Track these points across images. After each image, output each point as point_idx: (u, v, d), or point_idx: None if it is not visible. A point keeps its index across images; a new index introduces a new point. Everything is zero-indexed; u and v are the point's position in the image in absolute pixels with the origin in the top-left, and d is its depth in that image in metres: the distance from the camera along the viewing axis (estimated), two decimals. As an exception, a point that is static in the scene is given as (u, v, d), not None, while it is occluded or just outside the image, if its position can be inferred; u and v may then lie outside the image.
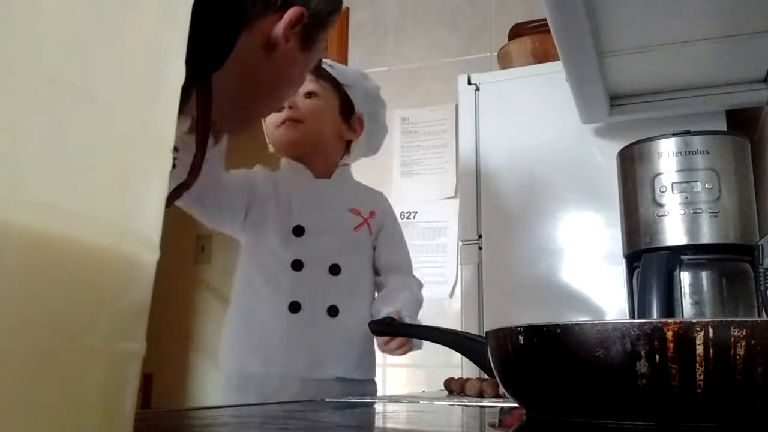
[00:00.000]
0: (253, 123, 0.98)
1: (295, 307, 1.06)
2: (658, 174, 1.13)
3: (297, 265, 1.08)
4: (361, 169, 1.29)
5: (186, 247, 3.83)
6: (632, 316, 1.18)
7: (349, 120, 1.19)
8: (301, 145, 1.15)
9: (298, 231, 1.09)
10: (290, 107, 1.13)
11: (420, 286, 1.21)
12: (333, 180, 1.17)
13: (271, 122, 1.16)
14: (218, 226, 1.11)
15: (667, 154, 1.13)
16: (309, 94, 1.14)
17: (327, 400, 0.89)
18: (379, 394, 1.09)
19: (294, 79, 0.90)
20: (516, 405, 0.56)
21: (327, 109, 1.16)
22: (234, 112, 0.87)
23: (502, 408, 0.64)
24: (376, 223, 1.17)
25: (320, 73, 1.14)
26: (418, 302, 1.17)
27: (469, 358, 0.59)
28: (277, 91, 0.89)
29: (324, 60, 1.16)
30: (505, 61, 1.78)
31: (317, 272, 1.09)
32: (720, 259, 1.10)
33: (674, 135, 1.13)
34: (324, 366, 1.06)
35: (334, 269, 1.10)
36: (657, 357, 0.37)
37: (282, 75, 0.85)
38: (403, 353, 1.08)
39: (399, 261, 1.20)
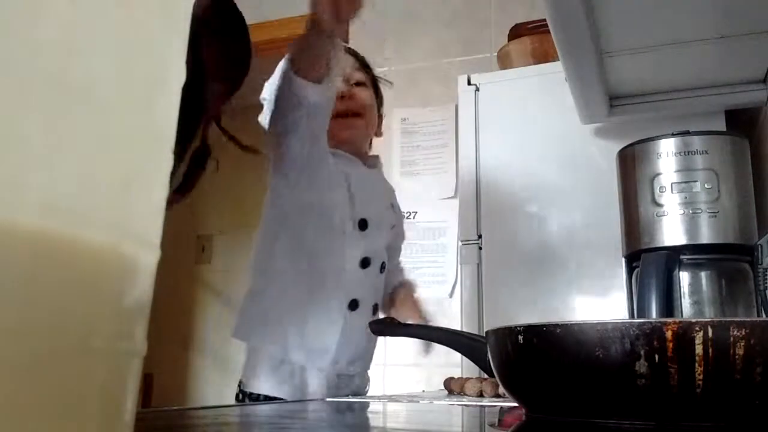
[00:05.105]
0: None
1: (354, 304, 1.05)
2: (658, 174, 1.13)
3: (365, 263, 1.06)
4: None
5: (186, 247, 3.83)
6: (632, 315, 1.19)
7: (380, 115, 1.18)
8: (360, 140, 1.11)
9: (363, 225, 1.06)
10: (349, 97, 1.07)
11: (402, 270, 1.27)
12: (379, 172, 1.16)
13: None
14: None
15: (666, 155, 1.13)
16: (359, 83, 1.10)
17: (327, 399, 0.89)
18: (379, 393, 1.10)
19: None
20: (516, 405, 0.56)
21: (373, 104, 1.14)
22: None
23: (501, 408, 0.64)
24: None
25: (365, 63, 1.11)
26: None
27: (469, 358, 0.59)
28: None
29: (350, 45, 1.13)
30: (504, 61, 1.78)
31: (374, 270, 1.08)
32: (719, 259, 1.10)
33: (674, 135, 1.13)
34: (357, 362, 1.08)
35: (383, 267, 1.10)
36: (656, 357, 0.37)
37: None
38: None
39: (397, 248, 1.25)
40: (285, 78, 0.92)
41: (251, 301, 1.09)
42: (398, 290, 1.17)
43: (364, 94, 1.10)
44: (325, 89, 0.93)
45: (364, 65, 1.12)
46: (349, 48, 1.15)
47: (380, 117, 1.19)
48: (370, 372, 1.17)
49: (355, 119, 1.09)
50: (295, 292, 1.05)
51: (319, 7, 0.87)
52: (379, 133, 1.20)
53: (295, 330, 1.03)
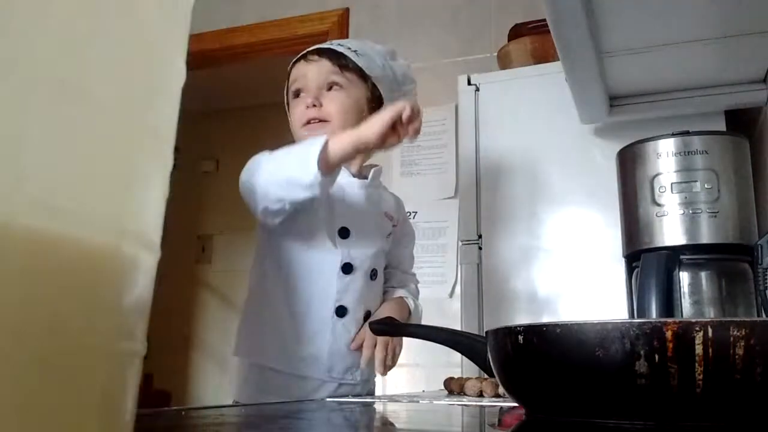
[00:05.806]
0: None
1: (341, 311, 1.05)
2: (658, 174, 1.13)
3: (347, 269, 1.06)
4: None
5: (186, 247, 3.83)
6: (632, 315, 1.18)
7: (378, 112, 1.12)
8: None
9: (344, 233, 1.07)
10: (313, 105, 1.06)
11: (417, 282, 1.25)
12: (370, 182, 1.13)
13: (297, 120, 1.09)
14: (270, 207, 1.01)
15: (666, 155, 1.13)
16: (331, 86, 1.07)
17: (328, 399, 0.89)
18: (379, 393, 1.10)
19: None
20: (516, 405, 0.56)
21: (353, 104, 1.08)
22: None
23: (501, 408, 0.64)
24: (396, 230, 1.19)
25: (345, 64, 1.08)
26: (418, 292, 1.24)
27: (469, 358, 0.59)
28: None
29: (349, 46, 1.10)
30: (504, 61, 1.78)
31: (361, 276, 1.07)
32: (719, 259, 1.10)
33: (673, 135, 1.13)
34: (357, 370, 1.07)
35: (373, 274, 1.10)
36: (656, 357, 0.37)
37: None
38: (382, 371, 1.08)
39: (401, 258, 1.23)
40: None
41: (246, 312, 1.10)
42: (383, 307, 1.14)
43: (333, 97, 1.06)
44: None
45: (341, 65, 1.07)
46: (329, 48, 1.11)
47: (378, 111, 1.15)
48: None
49: (321, 124, 1.06)
50: (281, 301, 1.05)
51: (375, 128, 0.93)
52: None
53: (284, 339, 1.04)
